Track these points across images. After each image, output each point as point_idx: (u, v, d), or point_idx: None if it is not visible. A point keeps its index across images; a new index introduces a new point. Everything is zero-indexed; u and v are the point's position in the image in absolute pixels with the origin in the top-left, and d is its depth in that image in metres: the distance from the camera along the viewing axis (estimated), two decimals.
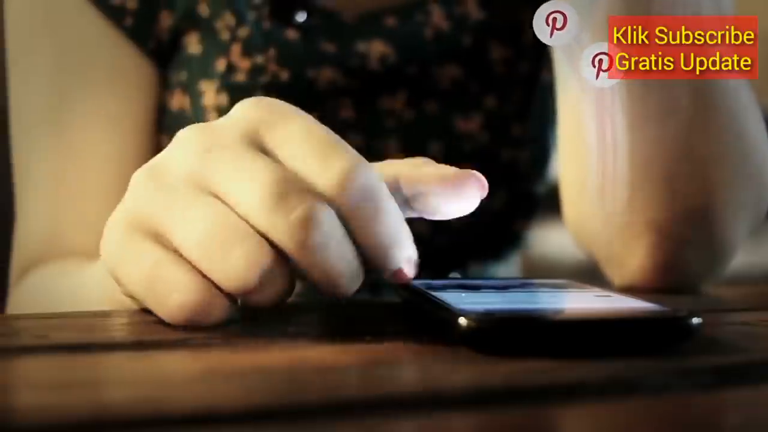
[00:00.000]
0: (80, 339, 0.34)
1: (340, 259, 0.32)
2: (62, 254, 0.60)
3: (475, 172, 0.36)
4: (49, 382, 0.26)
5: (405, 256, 0.34)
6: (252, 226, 0.32)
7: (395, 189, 0.36)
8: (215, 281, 0.32)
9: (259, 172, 0.32)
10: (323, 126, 0.34)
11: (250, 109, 0.34)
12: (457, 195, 0.36)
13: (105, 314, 0.39)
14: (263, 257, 0.32)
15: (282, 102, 0.35)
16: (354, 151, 0.33)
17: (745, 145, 0.53)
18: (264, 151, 0.33)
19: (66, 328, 0.36)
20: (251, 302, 0.33)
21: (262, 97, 0.35)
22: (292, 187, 0.32)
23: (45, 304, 0.54)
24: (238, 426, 0.22)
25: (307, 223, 0.31)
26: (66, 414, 0.23)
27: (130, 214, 0.34)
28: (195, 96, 0.61)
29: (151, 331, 0.34)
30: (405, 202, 0.37)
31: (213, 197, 0.33)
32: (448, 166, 0.37)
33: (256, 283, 0.32)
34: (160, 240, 0.34)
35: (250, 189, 0.32)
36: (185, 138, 0.34)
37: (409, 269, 0.34)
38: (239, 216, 0.32)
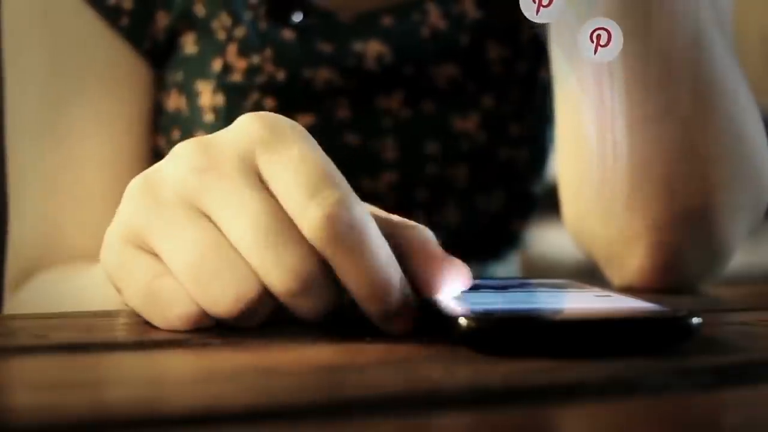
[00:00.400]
0: (80, 339, 0.34)
1: (323, 303, 0.33)
2: (61, 258, 0.59)
3: (462, 264, 0.34)
4: (49, 382, 0.26)
5: (394, 302, 0.32)
6: (240, 254, 0.32)
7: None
8: (200, 304, 0.33)
9: (253, 207, 0.32)
10: (320, 153, 0.33)
11: (249, 126, 0.34)
12: (438, 280, 0.34)
13: (105, 314, 0.39)
14: (250, 290, 0.32)
15: (283, 120, 0.34)
16: (344, 185, 0.32)
17: (743, 146, 0.53)
18: (258, 174, 0.33)
19: (66, 328, 0.36)
20: (233, 324, 0.33)
21: (264, 114, 0.34)
22: (286, 234, 0.31)
23: (47, 308, 0.54)
24: (238, 426, 0.22)
25: (298, 276, 0.31)
26: (66, 414, 0.23)
27: (125, 227, 0.34)
28: (191, 96, 0.61)
29: (151, 331, 0.34)
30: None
31: (205, 219, 0.33)
32: (438, 249, 0.34)
33: (241, 313, 0.32)
34: (154, 254, 0.34)
35: (243, 224, 0.32)
36: (182, 153, 0.34)
37: (406, 316, 0.33)
38: (230, 243, 0.32)
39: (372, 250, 0.32)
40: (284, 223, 0.32)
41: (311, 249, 0.32)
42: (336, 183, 0.32)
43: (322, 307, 0.33)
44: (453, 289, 0.34)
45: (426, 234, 0.35)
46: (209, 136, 0.34)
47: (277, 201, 0.32)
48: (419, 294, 0.34)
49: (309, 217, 0.31)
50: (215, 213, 0.33)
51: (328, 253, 0.31)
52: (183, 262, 0.32)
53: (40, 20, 0.61)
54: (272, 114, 0.34)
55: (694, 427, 0.23)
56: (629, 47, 0.52)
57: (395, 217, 0.35)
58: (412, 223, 0.35)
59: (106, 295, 0.41)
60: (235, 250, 0.32)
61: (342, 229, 0.31)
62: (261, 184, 0.33)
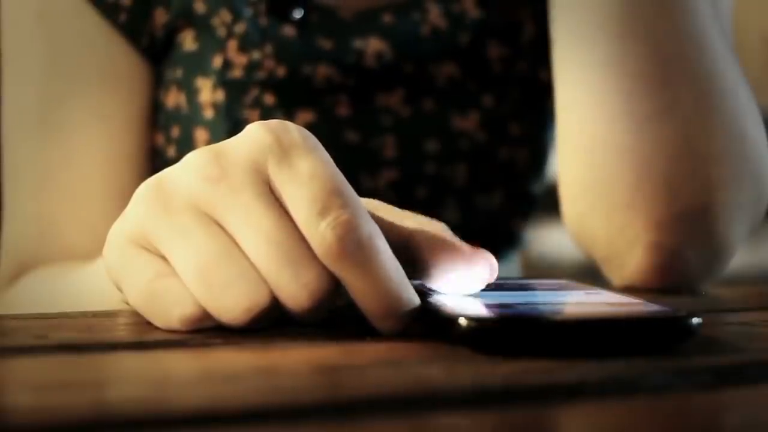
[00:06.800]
0: (80, 339, 0.34)
1: (327, 310, 0.33)
2: (56, 255, 0.59)
3: (487, 252, 0.35)
4: (49, 382, 0.26)
5: (405, 317, 0.33)
6: (252, 263, 0.32)
7: (402, 248, 0.34)
8: (209, 310, 0.33)
9: (266, 222, 0.32)
10: (330, 166, 0.33)
11: (260, 136, 0.34)
12: (465, 274, 0.34)
13: (105, 314, 0.39)
14: (262, 300, 0.32)
15: (293, 129, 0.34)
16: (354, 202, 0.32)
17: (744, 146, 0.53)
18: (269, 184, 0.33)
19: (66, 328, 0.36)
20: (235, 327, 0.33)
21: (275, 123, 0.34)
22: (299, 251, 0.32)
23: (44, 305, 0.54)
24: (238, 426, 0.22)
25: (312, 293, 0.32)
26: (66, 414, 0.23)
27: (133, 229, 0.34)
28: (191, 93, 0.61)
29: (152, 331, 0.34)
30: (408, 263, 0.34)
31: (216, 226, 0.33)
32: (460, 241, 0.35)
33: (250, 321, 0.32)
34: (161, 256, 0.34)
35: (256, 237, 0.32)
36: (194, 162, 0.34)
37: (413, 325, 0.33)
38: (242, 252, 0.32)
39: (382, 269, 0.32)
40: (297, 240, 0.32)
41: (324, 267, 0.32)
42: (346, 201, 0.32)
43: (325, 313, 0.33)
44: (483, 279, 0.34)
45: (442, 230, 0.35)
46: (220, 144, 0.34)
47: (288, 215, 0.32)
48: (447, 292, 0.35)
49: (319, 238, 0.31)
50: (227, 223, 0.33)
51: (338, 272, 0.32)
52: (194, 267, 0.32)
53: (38, 17, 0.60)
54: (282, 122, 0.34)
55: (694, 427, 0.23)
56: (631, 47, 0.52)
57: (407, 219, 0.35)
58: (425, 221, 0.35)
59: (102, 293, 0.41)
60: (247, 258, 0.32)
61: (352, 250, 0.31)
62: (272, 195, 0.33)
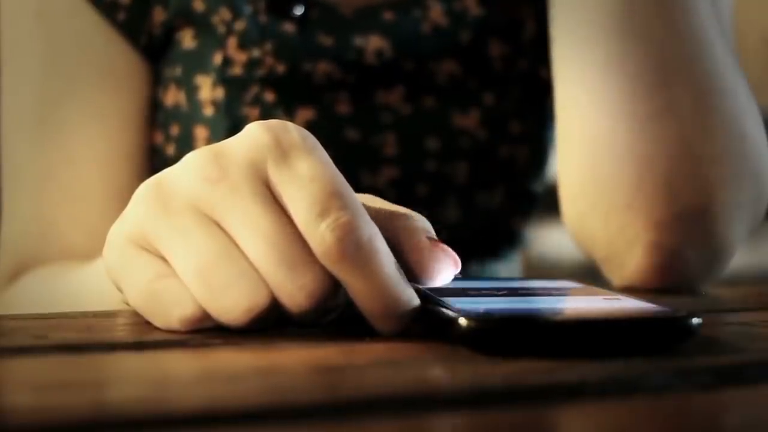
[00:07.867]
0: (80, 339, 0.34)
1: (326, 311, 0.33)
2: (55, 255, 0.59)
3: (448, 249, 0.35)
4: (49, 382, 0.26)
5: (404, 318, 0.33)
6: (252, 264, 0.32)
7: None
8: (209, 310, 0.33)
9: (266, 223, 0.32)
10: (330, 167, 0.33)
11: (260, 136, 0.34)
12: (429, 268, 0.34)
13: (105, 314, 0.39)
14: (262, 301, 0.32)
15: (293, 129, 0.34)
16: (353, 203, 0.32)
17: (744, 146, 0.53)
18: (268, 185, 0.33)
19: (66, 328, 0.36)
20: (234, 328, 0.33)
21: (274, 123, 0.34)
22: (299, 252, 0.32)
23: (44, 305, 0.54)
24: (238, 426, 0.22)
25: (311, 295, 0.32)
26: (66, 414, 0.23)
27: (132, 229, 0.34)
28: (190, 91, 0.61)
29: (152, 331, 0.34)
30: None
31: (215, 226, 0.33)
32: (425, 236, 0.35)
33: (250, 321, 0.32)
34: (161, 256, 0.34)
35: (256, 239, 0.32)
36: (194, 163, 0.34)
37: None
38: (241, 252, 0.32)
39: (381, 270, 0.32)
40: (297, 241, 0.32)
41: (323, 269, 0.32)
42: (345, 203, 0.32)
43: (324, 314, 0.34)
44: (441, 276, 0.34)
45: (416, 223, 0.35)
46: (220, 144, 0.34)
47: (288, 215, 0.32)
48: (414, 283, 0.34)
49: (319, 239, 0.31)
50: (227, 224, 0.33)
51: (338, 273, 0.32)
52: (193, 267, 0.32)
53: (36, 16, 0.61)
54: (282, 122, 0.34)
55: (694, 427, 0.23)
56: (631, 47, 0.52)
57: (389, 208, 0.35)
58: (406, 212, 0.35)
59: (102, 293, 0.41)
60: (247, 259, 0.32)
61: (351, 251, 0.31)
62: (272, 196, 0.33)
